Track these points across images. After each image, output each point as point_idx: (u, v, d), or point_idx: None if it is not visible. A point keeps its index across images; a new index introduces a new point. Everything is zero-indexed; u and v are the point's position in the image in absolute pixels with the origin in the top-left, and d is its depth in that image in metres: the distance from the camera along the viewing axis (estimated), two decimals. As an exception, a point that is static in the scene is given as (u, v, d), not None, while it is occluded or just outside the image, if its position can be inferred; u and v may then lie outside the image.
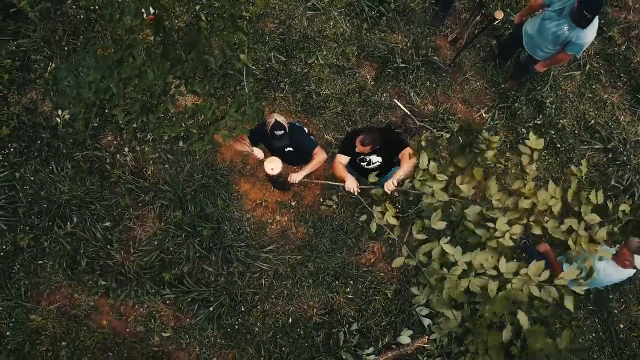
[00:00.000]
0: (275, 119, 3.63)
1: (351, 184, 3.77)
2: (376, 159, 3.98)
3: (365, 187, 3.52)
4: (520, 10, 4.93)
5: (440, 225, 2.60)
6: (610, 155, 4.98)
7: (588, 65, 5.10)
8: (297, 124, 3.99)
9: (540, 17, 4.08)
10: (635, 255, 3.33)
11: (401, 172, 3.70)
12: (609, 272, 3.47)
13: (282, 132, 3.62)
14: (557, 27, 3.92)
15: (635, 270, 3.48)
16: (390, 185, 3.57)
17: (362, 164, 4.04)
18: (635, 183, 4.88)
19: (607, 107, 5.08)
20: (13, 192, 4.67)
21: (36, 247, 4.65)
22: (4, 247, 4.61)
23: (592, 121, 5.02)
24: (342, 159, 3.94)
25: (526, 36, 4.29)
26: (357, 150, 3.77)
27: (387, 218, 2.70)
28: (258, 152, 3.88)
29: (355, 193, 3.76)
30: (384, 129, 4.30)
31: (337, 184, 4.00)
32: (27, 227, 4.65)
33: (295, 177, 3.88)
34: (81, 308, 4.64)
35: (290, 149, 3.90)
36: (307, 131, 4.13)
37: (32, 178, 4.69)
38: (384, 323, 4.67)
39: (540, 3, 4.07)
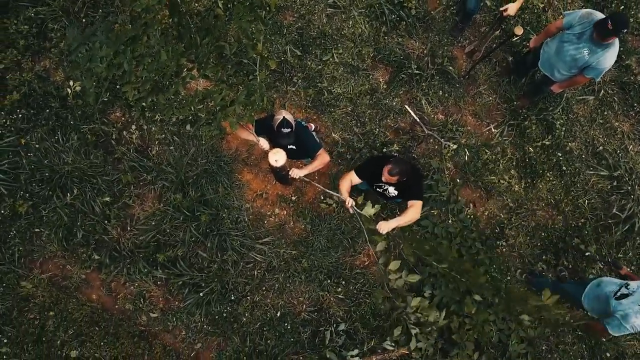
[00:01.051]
0: (284, 116, 3.62)
1: (348, 203, 3.78)
2: (393, 192, 3.95)
3: (360, 212, 3.58)
4: (538, 33, 4.90)
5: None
6: (615, 184, 4.95)
7: (602, 91, 5.07)
8: (302, 122, 3.97)
9: (559, 39, 4.02)
10: None
11: (402, 221, 3.73)
12: None
13: (289, 130, 3.62)
14: (577, 50, 3.87)
15: None
16: (385, 228, 3.62)
17: (377, 189, 4.02)
18: (637, 214, 4.86)
19: (617, 134, 5.05)
20: (17, 157, 4.68)
21: (34, 214, 4.66)
22: (2, 211, 4.63)
23: (601, 147, 4.99)
24: (355, 180, 3.91)
25: (543, 57, 4.24)
26: (382, 178, 3.75)
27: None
28: (264, 143, 3.86)
29: (350, 211, 3.80)
30: (415, 168, 4.22)
31: (333, 193, 4.01)
32: (27, 194, 4.66)
33: (297, 173, 3.87)
34: (72, 280, 4.65)
35: (293, 147, 3.89)
36: (313, 128, 4.11)
37: (37, 146, 4.70)
38: (371, 326, 4.66)
39: (558, 26, 4.00)
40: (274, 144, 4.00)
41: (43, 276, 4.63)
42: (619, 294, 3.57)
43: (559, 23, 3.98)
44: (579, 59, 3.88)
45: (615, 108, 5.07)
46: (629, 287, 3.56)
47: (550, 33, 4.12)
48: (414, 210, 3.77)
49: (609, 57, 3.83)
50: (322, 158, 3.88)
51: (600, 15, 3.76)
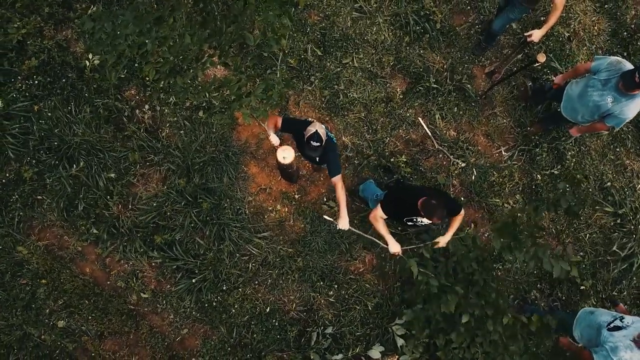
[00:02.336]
0: (317, 130, 3.57)
1: (396, 248, 3.96)
2: (425, 221, 3.87)
3: (409, 247, 3.83)
4: (567, 70, 4.88)
5: None
6: (618, 221, 4.93)
7: (617, 128, 5.04)
8: (334, 139, 3.90)
9: (584, 83, 3.96)
10: None
11: (451, 233, 3.97)
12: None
13: (318, 144, 3.58)
14: (600, 97, 3.82)
15: None
16: (443, 243, 3.98)
17: (408, 222, 3.98)
18: (637, 254, 4.84)
19: (626, 172, 5.03)
20: (28, 123, 4.70)
21: (38, 182, 4.68)
22: (7, 175, 4.65)
23: (609, 183, 4.97)
24: (382, 215, 3.90)
25: (565, 99, 4.18)
26: (420, 216, 3.70)
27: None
28: (274, 139, 3.87)
29: (399, 255, 3.98)
30: (449, 200, 4.02)
31: (380, 243, 4.17)
32: (34, 161, 4.68)
33: (344, 224, 3.92)
34: (68, 251, 4.66)
35: (317, 159, 3.89)
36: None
37: (49, 114, 4.72)
38: (358, 333, 4.66)
39: (587, 68, 3.94)
40: (297, 149, 4.00)
41: (40, 244, 4.64)
42: (612, 325, 3.55)
43: (588, 65, 3.92)
44: (602, 106, 3.84)
45: (628, 146, 5.05)
46: (623, 320, 3.54)
47: (578, 73, 4.08)
48: (459, 220, 3.99)
49: (632, 108, 3.78)
50: (341, 185, 3.85)
51: (629, 66, 3.73)
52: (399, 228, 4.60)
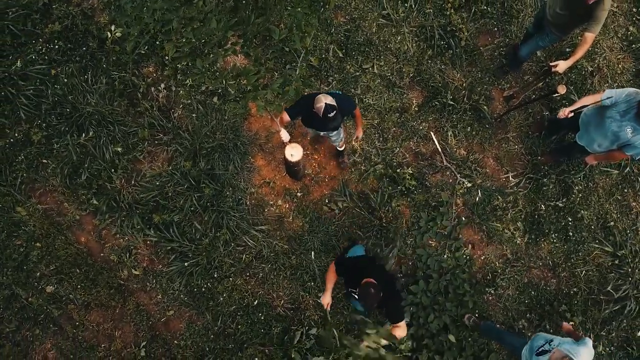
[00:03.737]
0: (325, 103, 3.55)
1: (325, 301, 3.87)
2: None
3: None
4: (580, 98, 4.84)
5: None
6: (616, 262, 4.91)
7: (628, 169, 5.02)
8: (337, 92, 3.90)
9: (601, 114, 3.91)
10: None
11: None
12: None
13: (335, 112, 3.57)
14: (619, 128, 3.79)
15: None
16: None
17: (350, 291, 3.85)
18: (630, 297, 4.81)
19: (631, 214, 5.00)
20: (43, 86, 4.71)
21: (46, 145, 4.69)
22: (16, 134, 4.66)
23: (612, 223, 4.94)
24: (333, 274, 3.86)
25: (582, 128, 4.17)
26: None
27: None
28: (285, 135, 3.86)
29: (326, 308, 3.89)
30: (392, 289, 3.80)
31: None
32: (44, 125, 4.69)
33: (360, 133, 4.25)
34: (66, 218, 4.67)
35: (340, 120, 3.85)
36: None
37: (65, 80, 4.73)
38: (341, 339, 4.64)
39: (596, 99, 3.89)
40: (309, 120, 3.97)
41: (39, 207, 4.66)
42: (540, 349, 3.56)
43: (597, 96, 3.90)
44: (621, 136, 3.82)
45: (636, 188, 5.02)
46: (552, 343, 3.54)
47: (585, 104, 4.05)
48: (399, 333, 3.69)
49: None
50: (359, 114, 4.08)
51: None
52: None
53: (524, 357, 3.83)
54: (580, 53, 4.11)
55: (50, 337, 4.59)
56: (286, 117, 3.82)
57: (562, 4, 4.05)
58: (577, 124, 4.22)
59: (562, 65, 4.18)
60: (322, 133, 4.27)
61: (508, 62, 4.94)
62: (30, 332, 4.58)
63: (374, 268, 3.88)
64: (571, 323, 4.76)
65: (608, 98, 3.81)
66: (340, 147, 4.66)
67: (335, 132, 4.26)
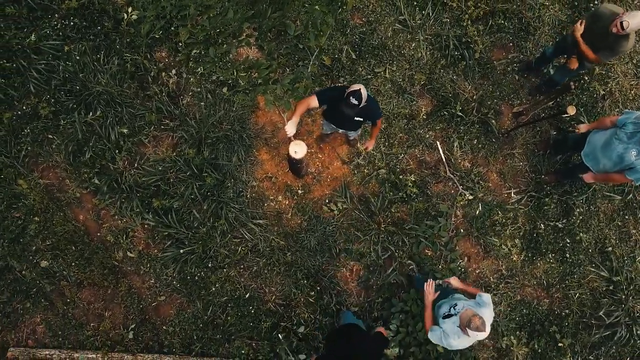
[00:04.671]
0: (360, 89, 3.52)
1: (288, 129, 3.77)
2: None
3: None
4: (592, 121, 4.84)
5: None
6: (611, 287, 4.89)
7: (631, 195, 5.01)
8: (371, 96, 3.88)
9: (609, 134, 3.94)
10: (468, 330, 3.35)
11: None
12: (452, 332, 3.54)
13: (357, 103, 3.52)
14: (625, 150, 3.80)
15: (475, 340, 3.51)
16: None
17: None
18: (622, 324, 4.80)
19: (630, 241, 4.99)
20: (55, 62, 4.72)
21: (52, 121, 4.70)
22: (24, 107, 4.67)
23: (610, 248, 4.93)
24: None
25: (588, 147, 4.16)
26: None
27: None
28: (290, 129, 3.78)
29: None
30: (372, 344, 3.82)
31: None
32: (53, 100, 4.70)
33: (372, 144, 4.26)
34: (66, 195, 4.68)
35: (360, 118, 3.85)
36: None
37: (77, 57, 4.73)
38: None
39: (613, 121, 3.93)
40: (332, 112, 3.98)
41: (41, 181, 4.67)
42: (446, 313, 3.63)
43: (614, 118, 3.91)
44: (626, 159, 3.82)
45: (637, 215, 5.00)
46: (456, 307, 3.59)
47: (602, 125, 4.06)
48: None
49: None
50: (380, 126, 4.09)
51: None
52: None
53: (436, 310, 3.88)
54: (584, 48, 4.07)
55: (40, 311, 4.61)
56: (314, 101, 3.73)
57: (586, 38, 4.02)
58: (583, 144, 4.22)
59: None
60: (340, 130, 4.27)
61: (544, 83, 4.93)
62: (21, 305, 4.59)
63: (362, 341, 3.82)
64: (560, 344, 4.76)
65: (622, 118, 3.82)
66: (352, 144, 4.77)
67: (352, 132, 4.27)
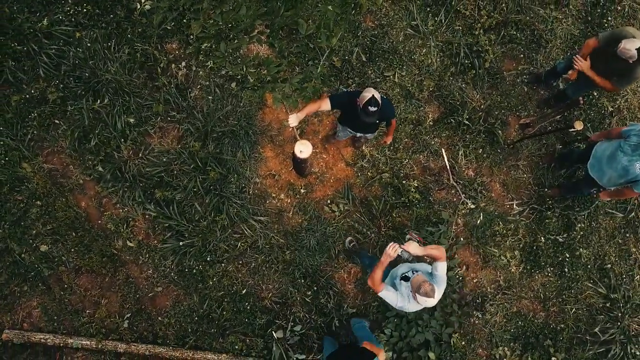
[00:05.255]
0: (373, 95, 3.52)
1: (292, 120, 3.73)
2: None
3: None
4: (601, 130, 4.85)
5: None
6: (607, 304, 4.88)
7: (633, 214, 4.99)
8: (384, 97, 3.86)
9: (614, 146, 3.96)
10: (417, 295, 3.32)
11: None
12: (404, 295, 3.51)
13: (376, 109, 3.54)
14: (629, 162, 3.80)
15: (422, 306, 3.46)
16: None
17: None
18: (617, 341, 4.79)
19: (630, 259, 4.98)
20: (66, 47, 4.73)
21: (60, 106, 4.71)
22: (32, 91, 4.69)
23: (609, 265, 4.92)
24: None
25: (594, 158, 4.16)
26: None
27: None
28: (292, 121, 3.70)
29: None
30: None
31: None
32: (62, 85, 4.71)
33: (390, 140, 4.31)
34: (70, 181, 4.70)
35: (377, 121, 3.85)
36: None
37: (88, 44, 4.74)
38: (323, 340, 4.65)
39: (618, 132, 3.95)
40: (347, 117, 3.97)
41: (45, 166, 4.68)
42: (404, 275, 3.62)
43: (620, 129, 3.92)
44: (630, 171, 3.82)
45: (638, 234, 4.99)
46: (416, 272, 3.57)
47: (612, 135, 4.06)
48: None
49: None
50: (395, 124, 4.11)
51: None
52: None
53: (387, 282, 3.80)
54: (600, 80, 4.05)
55: (37, 295, 4.62)
56: (326, 104, 3.73)
57: (598, 58, 3.97)
58: (588, 156, 4.21)
59: (585, 64, 4.02)
60: (358, 134, 4.27)
61: (554, 96, 4.91)
62: (19, 288, 4.61)
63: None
64: (553, 358, 4.75)
65: (627, 130, 3.82)
66: (358, 146, 4.79)
67: (370, 134, 4.28)
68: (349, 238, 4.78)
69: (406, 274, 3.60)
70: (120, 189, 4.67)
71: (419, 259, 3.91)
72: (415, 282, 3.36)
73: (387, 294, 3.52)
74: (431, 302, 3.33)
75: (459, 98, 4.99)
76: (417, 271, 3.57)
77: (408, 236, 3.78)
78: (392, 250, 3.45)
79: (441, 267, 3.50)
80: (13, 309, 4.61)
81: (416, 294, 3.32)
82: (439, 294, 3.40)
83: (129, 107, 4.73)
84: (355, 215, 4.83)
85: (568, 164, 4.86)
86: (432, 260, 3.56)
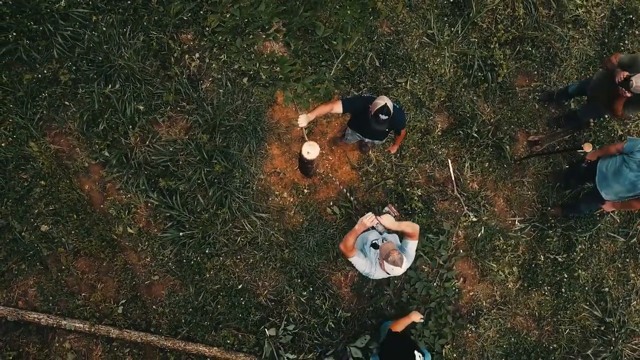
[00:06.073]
0: (386, 103, 3.49)
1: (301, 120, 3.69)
2: None
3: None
4: (598, 149, 4.83)
5: None
6: (602, 328, 4.87)
7: (635, 239, 4.98)
8: (396, 105, 3.81)
9: (619, 162, 3.95)
10: (385, 262, 3.32)
11: None
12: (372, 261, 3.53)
13: (387, 117, 3.51)
14: (637, 177, 3.81)
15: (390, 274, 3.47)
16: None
17: None
18: (609, 365, 4.78)
19: (628, 285, 4.96)
20: (82, 30, 4.73)
21: (71, 88, 4.71)
22: (45, 72, 4.69)
23: (607, 289, 4.91)
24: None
25: (600, 174, 4.16)
26: None
27: None
28: (302, 121, 3.67)
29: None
30: None
31: None
32: (74, 68, 4.71)
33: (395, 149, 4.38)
34: (75, 163, 4.71)
35: (386, 129, 3.84)
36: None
37: (104, 29, 4.74)
38: (316, 341, 4.65)
39: (619, 149, 3.95)
40: (359, 122, 3.95)
41: (51, 146, 4.69)
42: (374, 242, 3.64)
43: (619, 146, 3.93)
44: (638, 186, 3.83)
45: (639, 260, 4.97)
46: (385, 240, 3.58)
47: (608, 153, 4.06)
48: None
49: None
50: (404, 134, 4.13)
51: None
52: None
53: (357, 248, 3.76)
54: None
55: (34, 274, 4.63)
56: (338, 107, 3.69)
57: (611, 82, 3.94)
58: (594, 174, 4.21)
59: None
60: (366, 140, 4.26)
61: (565, 116, 4.90)
62: (17, 266, 4.62)
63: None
64: None
65: (628, 145, 3.82)
66: (364, 150, 4.78)
67: (378, 141, 4.28)
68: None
69: (376, 241, 3.61)
70: (125, 175, 4.67)
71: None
72: (384, 249, 3.36)
73: (358, 260, 3.52)
74: (397, 271, 3.34)
75: (470, 110, 4.98)
76: (386, 240, 3.56)
77: (386, 208, 3.78)
78: (368, 220, 3.40)
79: (411, 245, 3.51)
80: (9, 286, 4.62)
81: (384, 262, 3.32)
82: (406, 264, 3.40)
83: (140, 94, 4.73)
84: (356, 219, 4.81)
85: (574, 183, 4.84)
86: (404, 237, 3.57)
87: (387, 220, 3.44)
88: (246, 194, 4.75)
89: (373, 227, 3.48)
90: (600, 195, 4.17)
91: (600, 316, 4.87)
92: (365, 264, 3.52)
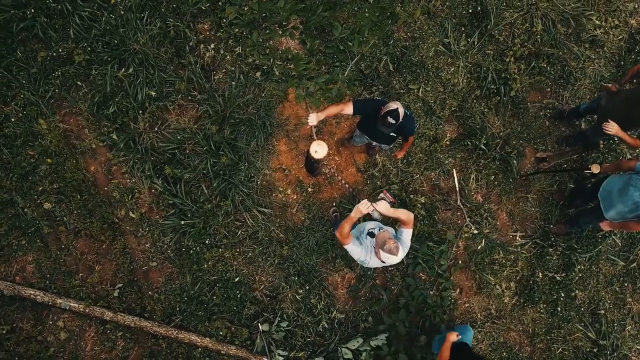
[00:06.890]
0: (397, 108, 3.50)
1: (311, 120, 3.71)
2: None
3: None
4: (611, 163, 4.81)
5: None
6: (595, 350, 4.86)
7: (634, 264, 4.96)
8: (407, 112, 3.79)
9: (626, 179, 3.94)
10: (380, 251, 3.31)
11: None
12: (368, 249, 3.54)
13: (394, 122, 3.52)
14: None
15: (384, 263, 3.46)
16: None
17: None
18: (598, 389, 4.77)
19: (624, 309, 4.95)
20: (100, 12, 4.74)
21: (84, 69, 4.73)
22: (60, 50, 4.71)
23: (602, 312, 4.89)
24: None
25: (605, 189, 4.14)
26: None
27: None
28: (312, 120, 3.69)
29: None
30: None
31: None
32: (89, 49, 4.73)
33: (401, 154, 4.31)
34: (83, 143, 4.72)
35: (394, 134, 3.86)
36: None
37: (122, 12, 4.75)
38: (309, 339, 4.66)
39: (630, 166, 3.93)
40: (368, 125, 3.96)
41: (60, 125, 4.71)
42: (371, 231, 3.64)
43: (632, 163, 3.90)
44: None
45: (637, 285, 4.96)
46: (381, 230, 3.58)
47: (621, 169, 4.04)
48: None
49: None
50: (411, 141, 4.15)
51: None
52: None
53: (353, 236, 3.76)
54: (632, 142, 4.03)
55: (34, 251, 4.65)
56: (349, 108, 3.69)
57: (624, 105, 3.94)
58: (596, 194, 4.19)
59: (616, 128, 4.03)
60: (374, 143, 4.27)
61: (574, 136, 4.88)
62: (17, 241, 4.64)
63: None
64: None
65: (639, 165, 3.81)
66: (371, 154, 4.79)
67: (385, 145, 4.28)
68: (333, 208, 4.78)
69: (373, 230, 3.61)
70: (131, 160, 4.68)
71: (388, 223, 3.86)
72: (380, 237, 3.36)
73: (353, 247, 3.53)
74: (393, 259, 3.33)
75: (480, 122, 4.97)
76: (383, 229, 3.56)
77: (381, 194, 3.78)
78: (364, 207, 3.38)
79: (406, 234, 3.50)
80: (8, 261, 4.64)
81: (380, 250, 3.32)
82: (402, 253, 3.40)
83: (152, 80, 4.74)
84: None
85: (579, 203, 4.82)
86: (399, 225, 3.56)
87: (383, 206, 3.43)
88: (250, 188, 4.75)
89: (369, 214, 3.46)
90: (601, 212, 4.15)
91: (594, 338, 4.86)
92: (360, 252, 3.54)
